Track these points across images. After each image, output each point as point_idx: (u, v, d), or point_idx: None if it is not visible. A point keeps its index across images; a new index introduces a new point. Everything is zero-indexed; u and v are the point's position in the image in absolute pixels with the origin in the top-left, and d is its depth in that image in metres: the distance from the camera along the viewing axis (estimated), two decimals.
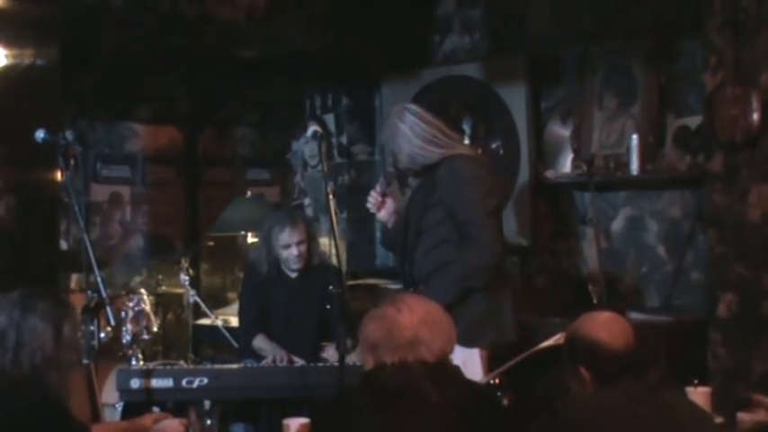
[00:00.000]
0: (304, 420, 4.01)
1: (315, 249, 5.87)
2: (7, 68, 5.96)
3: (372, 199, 5.22)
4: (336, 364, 4.63)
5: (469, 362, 4.77)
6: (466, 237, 4.87)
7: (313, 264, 5.79)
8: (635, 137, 6.42)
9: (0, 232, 5.84)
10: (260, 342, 5.72)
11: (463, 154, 5.06)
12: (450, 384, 3.35)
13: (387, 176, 5.28)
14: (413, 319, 3.40)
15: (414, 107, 5.17)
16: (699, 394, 4.07)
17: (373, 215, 5.39)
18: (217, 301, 8.02)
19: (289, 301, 5.79)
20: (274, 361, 5.50)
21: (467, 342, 4.71)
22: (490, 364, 4.92)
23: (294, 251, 5.70)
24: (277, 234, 5.70)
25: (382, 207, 5.23)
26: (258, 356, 5.67)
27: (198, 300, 7.22)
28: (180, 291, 7.34)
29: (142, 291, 7.04)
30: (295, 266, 5.76)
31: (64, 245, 6.93)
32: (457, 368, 3.51)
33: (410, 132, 5.00)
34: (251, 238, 7.71)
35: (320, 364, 5.38)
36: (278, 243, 5.71)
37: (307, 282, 5.76)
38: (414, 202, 5.14)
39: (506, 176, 7.12)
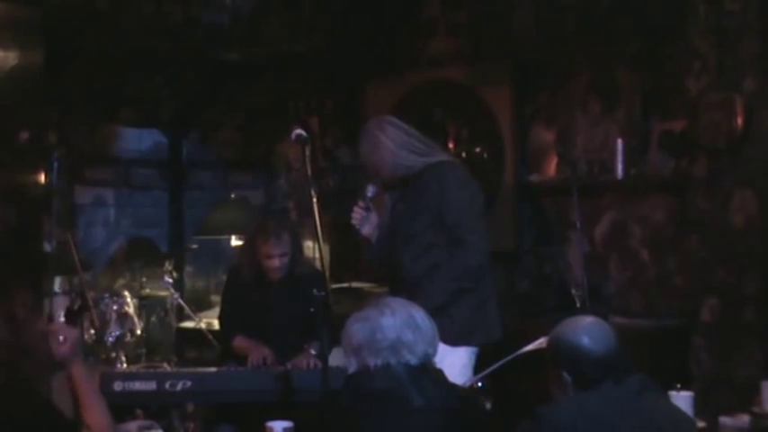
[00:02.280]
0: (287, 424, 4.01)
1: (299, 259, 5.85)
2: None
3: (357, 214, 5.21)
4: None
5: (458, 362, 4.83)
6: (455, 239, 4.91)
7: (296, 271, 5.78)
8: (619, 141, 6.45)
9: None
10: (240, 342, 5.71)
11: (445, 160, 5.13)
12: (432, 387, 3.36)
13: (372, 186, 5.25)
14: (396, 321, 3.42)
15: (392, 119, 5.22)
16: (681, 399, 4.08)
17: None
18: (201, 304, 7.99)
19: (271, 305, 5.77)
20: (265, 361, 5.48)
21: (458, 341, 4.79)
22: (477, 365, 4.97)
23: (276, 262, 5.67)
24: (260, 243, 5.68)
25: (365, 222, 5.21)
26: (239, 358, 5.66)
27: (182, 302, 7.21)
28: (164, 293, 7.33)
29: (126, 293, 7.04)
30: (274, 276, 5.74)
31: (47, 247, 6.92)
32: (440, 371, 3.52)
33: (392, 144, 5.05)
34: (235, 241, 7.70)
35: (303, 368, 5.37)
36: (261, 252, 5.69)
37: (289, 286, 5.74)
38: (398, 210, 5.17)
39: (490, 180, 7.13)
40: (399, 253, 5.06)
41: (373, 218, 5.22)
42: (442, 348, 4.63)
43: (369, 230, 5.22)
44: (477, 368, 4.85)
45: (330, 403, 3.48)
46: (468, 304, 4.96)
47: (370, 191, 5.18)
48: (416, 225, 5.01)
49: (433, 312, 4.34)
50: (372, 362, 3.37)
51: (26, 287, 3.83)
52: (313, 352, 5.46)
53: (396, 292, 5.01)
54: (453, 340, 4.77)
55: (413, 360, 3.38)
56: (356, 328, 3.45)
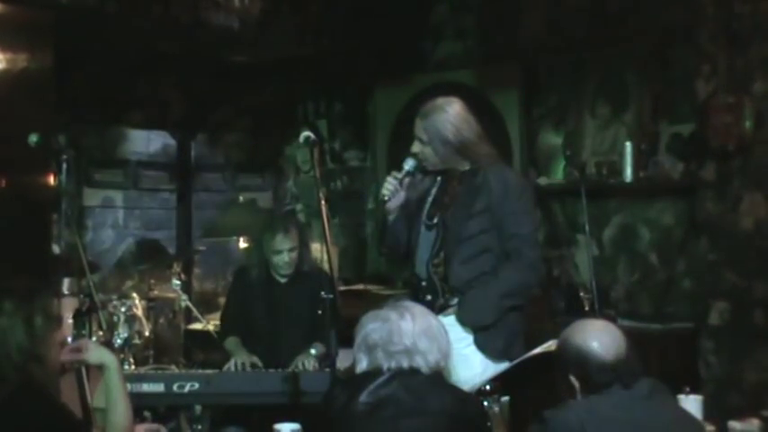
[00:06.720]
0: (295, 426, 4.01)
1: (305, 256, 5.86)
2: (1, 72, 5.95)
3: (391, 186, 4.77)
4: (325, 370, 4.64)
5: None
6: (513, 251, 4.65)
7: (303, 270, 5.80)
8: (628, 144, 6.44)
9: None
10: (230, 345, 5.74)
11: (506, 166, 4.92)
12: (435, 391, 3.36)
13: (411, 159, 4.78)
14: (415, 327, 3.42)
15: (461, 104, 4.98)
16: (690, 402, 4.07)
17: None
18: (209, 306, 8.00)
19: (277, 305, 5.78)
20: (243, 367, 5.51)
21: (502, 356, 4.62)
22: None
23: (285, 257, 5.70)
24: (269, 239, 5.71)
25: (396, 195, 4.80)
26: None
27: (190, 304, 7.21)
28: (172, 295, 7.33)
29: (134, 295, 7.04)
30: (284, 272, 5.76)
31: (56, 249, 6.92)
32: (441, 375, 3.52)
33: (460, 129, 4.86)
34: (243, 243, 7.70)
35: (311, 370, 5.38)
36: (269, 248, 5.71)
37: (296, 287, 5.76)
38: (442, 206, 4.81)
39: None
40: (448, 255, 4.73)
41: (401, 195, 4.83)
42: (486, 362, 4.62)
43: (394, 205, 4.83)
44: None
45: (334, 402, 3.46)
46: (517, 320, 4.74)
47: (410, 164, 4.80)
48: (473, 227, 4.68)
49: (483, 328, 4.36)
50: (386, 364, 3.37)
51: (49, 294, 3.83)
52: (313, 352, 5.51)
53: (426, 295, 4.76)
54: (499, 355, 4.63)
55: (424, 368, 3.38)
56: (373, 327, 3.44)
